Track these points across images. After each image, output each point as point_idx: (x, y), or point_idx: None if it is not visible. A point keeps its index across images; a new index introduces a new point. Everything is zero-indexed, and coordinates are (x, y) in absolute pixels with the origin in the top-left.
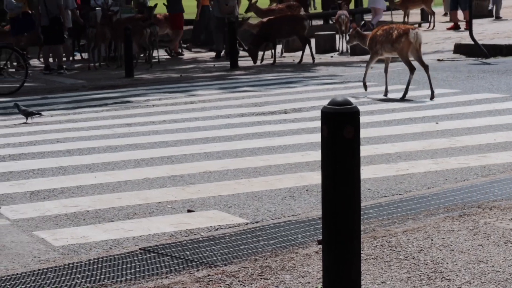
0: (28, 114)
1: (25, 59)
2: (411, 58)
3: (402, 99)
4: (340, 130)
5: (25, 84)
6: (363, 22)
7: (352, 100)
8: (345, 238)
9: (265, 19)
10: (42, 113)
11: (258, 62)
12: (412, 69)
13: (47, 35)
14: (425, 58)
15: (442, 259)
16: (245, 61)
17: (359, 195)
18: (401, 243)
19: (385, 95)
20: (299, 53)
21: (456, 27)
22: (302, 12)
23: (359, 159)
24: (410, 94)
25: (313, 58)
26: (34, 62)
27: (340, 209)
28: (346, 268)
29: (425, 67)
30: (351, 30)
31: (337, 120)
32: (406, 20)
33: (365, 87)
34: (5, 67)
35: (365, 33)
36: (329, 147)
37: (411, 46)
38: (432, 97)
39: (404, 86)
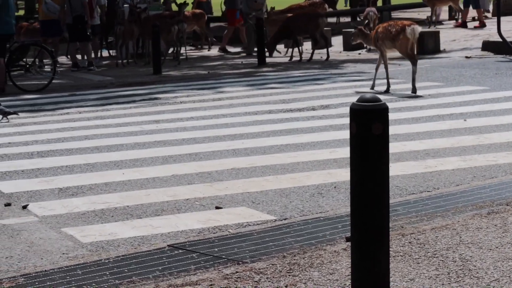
0: (4, 114)
1: (53, 56)
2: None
3: (414, 93)
4: (369, 127)
5: (53, 81)
6: (367, 21)
7: (380, 97)
8: (373, 235)
9: (285, 17)
10: (70, 110)
11: (286, 59)
12: (414, 62)
13: (72, 33)
14: (453, 55)
15: (470, 257)
16: (272, 57)
17: (388, 192)
18: (429, 241)
19: (372, 88)
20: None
21: (463, 25)
22: (325, 9)
23: (388, 156)
24: (438, 91)
25: (328, 55)
26: (62, 59)
27: (369, 206)
28: (374, 265)
29: (415, 62)
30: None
31: (366, 117)
32: (433, 17)
33: (373, 85)
34: (34, 64)
35: (368, 32)
36: (358, 144)
37: (409, 41)
38: (413, 91)
39: (431, 83)
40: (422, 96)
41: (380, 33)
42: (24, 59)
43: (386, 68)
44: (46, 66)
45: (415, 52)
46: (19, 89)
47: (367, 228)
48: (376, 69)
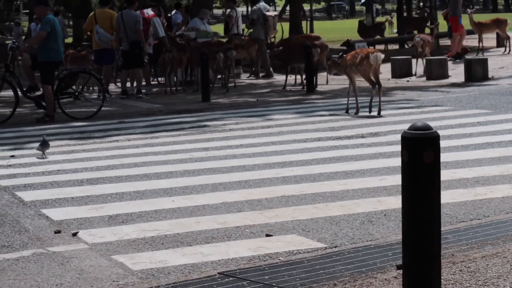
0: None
1: (102, 84)
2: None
3: (378, 115)
4: (420, 155)
5: (102, 108)
6: (340, 53)
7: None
8: (425, 263)
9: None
10: (119, 138)
11: (335, 87)
12: (373, 85)
13: (127, 59)
14: (502, 82)
15: None
16: (321, 85)
17: (439, 220)
18: (480, 269)
19: (346, 111)
20: None
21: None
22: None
23: (439, 184)
24: (487, 118)
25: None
26: (110, 86)
27: (421, 234)
28: None
29: (379, 86)
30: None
31: (417, 145)
32: (480, 44)
33: (347, 109)
34: (82, 92)
35: (339, 61)
36: (409, 172)
37: (371, 67)
38: (379, 112)
39: (480, 111)
40: (382, 116)
41: (348, 60)
42: (73, 87)
43: (354, 91)
44: (94, 94)
45: (379, 77)
46: (68, 117)
47: (419, 256)
48: (348, 93)
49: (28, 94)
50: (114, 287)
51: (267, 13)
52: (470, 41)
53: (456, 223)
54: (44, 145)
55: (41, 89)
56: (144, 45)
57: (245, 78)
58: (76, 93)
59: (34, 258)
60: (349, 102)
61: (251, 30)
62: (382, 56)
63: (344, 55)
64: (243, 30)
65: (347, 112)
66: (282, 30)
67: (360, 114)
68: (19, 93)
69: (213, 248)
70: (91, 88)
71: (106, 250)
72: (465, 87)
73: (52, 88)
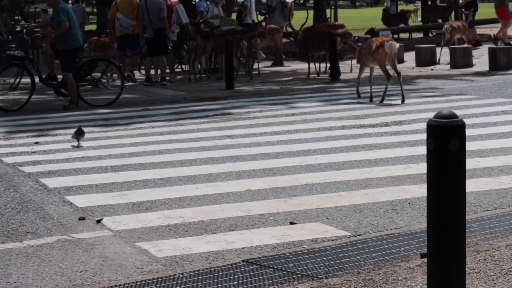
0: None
1: (121, 71)
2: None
3: (381, 103)
4: (446, 143)
5: (126, 95)
6: (356, 37)
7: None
8: (450, 252)
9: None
10: (143, 125)
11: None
12: (388, 77)
13: (152, 46)
14: None
15: None
16: (345, 73)
17: (464, 208)
18: (504, 258)
19: (371, 100)
20: (399, 65)
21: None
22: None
23: (465, 172)
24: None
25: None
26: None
27: (446, 222)
28: (450, 281)
29: (398, 74)
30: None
31: (443, 133)
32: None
33: (358, 94)
34: (101, 79)
35: (356, 46)
36: (435, 160)
37: (387, 56)
38: (402, 101)
39: (504, 99)
40: (406, 104)
41: (363, 48)
42: (93, 74)
43: (358, 78)
44: (118, 81)
45: (396, 66)
46: (87, 104)
47: (443, 244)
48: (370, 81)
49: (48, 81)
50: (138, 274)
51: (286, 0)
52: (486, 30)
53: (480, 212)
54: (79, 133)
55: (59, 78)
56: (168, 32)
57: (269, 66)
58: (95, 81)
59: (59, 245)
60: (366, 90)
61: (261, 18)
62: (397, 45)
63: (359, 43)
64: (259, 19)
65: (371, 100)
66: (307, 18)
67: (384, 102)
68: (37, 80)
69: (237, 235)
70: (111, 75)
71: (130, 237)
72: (489, 76)
73: (71, 75)
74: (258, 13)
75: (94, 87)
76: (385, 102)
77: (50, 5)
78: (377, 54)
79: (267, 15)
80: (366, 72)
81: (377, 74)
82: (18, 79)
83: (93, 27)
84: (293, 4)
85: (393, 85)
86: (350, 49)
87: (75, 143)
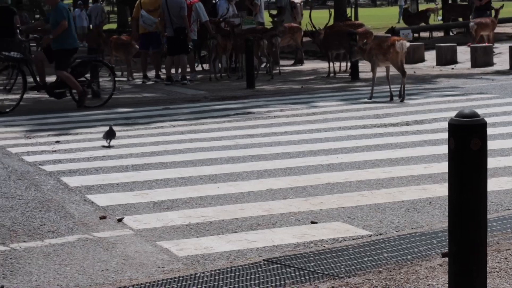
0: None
1: (113, 72)
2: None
3: (402, 102)
4: (467, 142)
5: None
6: (365, 40)
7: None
8: (471, 251)
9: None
10: (164, 124)
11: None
12: (404, 74)
13: (172, 45)
14: None
15: None
16: (365, 72)
17: (486, 207)
18: None
19: (391, 99)
20: (420, 64)
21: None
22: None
23: (486, 171)
24: None
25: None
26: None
27: (467, 221)
28: (472, 281)
29: (405, 73)
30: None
31: (464, 132)
32: None
33: (371, 95)
34: (94, 80)
35: (364, 47)
36: (456, 159)
37: (398, 54)
38: (402, 99)
39: None
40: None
41: (374, 49)
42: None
43: (373, 78)
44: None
45: (404, 65)
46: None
47: (465, 243)
48: (388, 80)
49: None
50: (160, 273)
51: (294, 0)
52: (507, 29)
53: (501, 211)
54: (110, 133)
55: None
56: (188, 31)
57: (290, 65)
58: (89, 82)
59: (80, 244)
60: (386, 89)
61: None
62: (408, 44)
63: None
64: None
65: (391, 99)
66: (330, 17)
67: (398, 102)
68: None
69: (258, 234)
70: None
71: (151, 236)
72: (510, 74)
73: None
74: (268, 12)
75: (88, 88)
76: (405, 101)
77: (49, 3)
78: (389, 53)
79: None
80: (391, 72)
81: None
82: (12, 81)
83: (113, 26)
84: (301, 4)
85: (413, 84)
86: (358, 50)
87: (105, 143)
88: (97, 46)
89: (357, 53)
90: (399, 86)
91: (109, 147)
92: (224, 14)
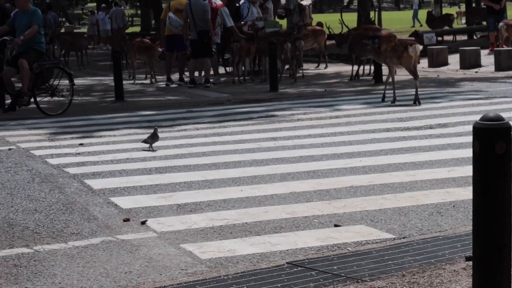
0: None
1: (71, 79)
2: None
3: (417, 105)
4: (492, 145)
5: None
6: (376, 39)
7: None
8: (495, 254)
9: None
10: (187, 127)
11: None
12: (416, 77)
13: (195, 48)
14: None
15: None
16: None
17: (510, 211)
18: None
19: (393, 102)
20: (443, 68)
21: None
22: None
23: (510, 175)
24: None
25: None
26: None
27: (491, 225)
28: (496, 284)
29: (417, 76)
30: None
31: (489, 136)
32: None
33: (383, 97)
34: (57, 87)
35: (377, 49)
36: (481, 163)
37: (412, 58)
38: (415, 103)
39: None
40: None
41: (388, 51)
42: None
43: (392, 81)
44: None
45: (417, 68)
46: (43, 113)
47: (489, 247)
48: (416, 86)
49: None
50: (183, 276)
51: (303, 3)
52: None
53: None
54: (153, 137)
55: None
56: (212, 34)
57: (313, 68)
58: (53, 88)
59: (103, 246)
60: (410, 93)
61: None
62: (421, 47)
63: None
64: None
65: (415, 103)
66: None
67: (422, 105)
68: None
69: (281, 237)
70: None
71: (175, 238)
72: None
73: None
74: (277, 15)
75: (52, 96)
76: (426, 105)
77: (20, 7)
78: (403, 57)
79: (284, 17)
80: (404, 74)
81: (423, 76)
82: None
83: (137, 29)
84: (310, 6)
85: (436, 87)
86: (371, 50)
87: (146, 146)
88: (121, 49)
89: (368, 52)
90: (425, 89)
91: (151, 150)
92: (246, 16)
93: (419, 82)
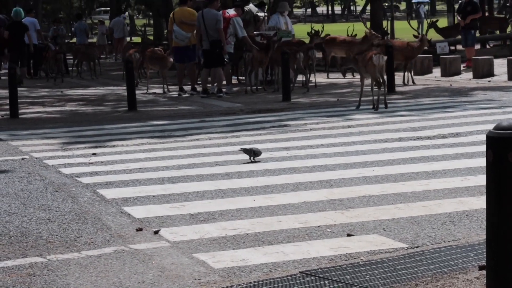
0: (254, 154)
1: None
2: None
3: (376, 110)
4: (506, 154)
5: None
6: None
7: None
8: (509, 263)
9: None
10: (200, 136)
11: (416, 87)
12: (379, 86)
13: (208, 58)
14: None
15: None
16: (399, 86)
17: None
18: None
19: (357, 108)
20: (456, 77)
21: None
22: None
23: None
24: None
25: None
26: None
27: (505, 234)
28: None
29: (380, 85)
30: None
31: (503, 145)
32: None
33: (358, 105)
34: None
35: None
36: (494, 172)
37: (375, 67)
38: (376, 108)
39: None
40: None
41: (360, 61)
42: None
43: (361, 89)
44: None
45: (384, 77)
46: None
47: (503, 256)
48: (361, 91)
49: None
50: (196, 285)
51: (259, 14)
52: None
53: None
54: (257, 152)
55: None
56: (224, 44)
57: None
58: None
59: (116, 255)
60: (424, 102)
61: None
62: (385, 57)
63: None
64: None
65: (373, 107)
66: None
67: (435, 115)
68: None
69: (294, 247)
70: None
71: (188, 248)
72: None
73: None
74: None
75: None
76: (439, 114)
77: None
78: (367, 66)
79: None
80: (427, 85)
81: (435, 86)
82: None
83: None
84: (265, 17)
85: (449, 96)
86: (353, 60)
87: (247, 156)
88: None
89: (349, 62)
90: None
91: (253, 161)
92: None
93: (384, 91)
